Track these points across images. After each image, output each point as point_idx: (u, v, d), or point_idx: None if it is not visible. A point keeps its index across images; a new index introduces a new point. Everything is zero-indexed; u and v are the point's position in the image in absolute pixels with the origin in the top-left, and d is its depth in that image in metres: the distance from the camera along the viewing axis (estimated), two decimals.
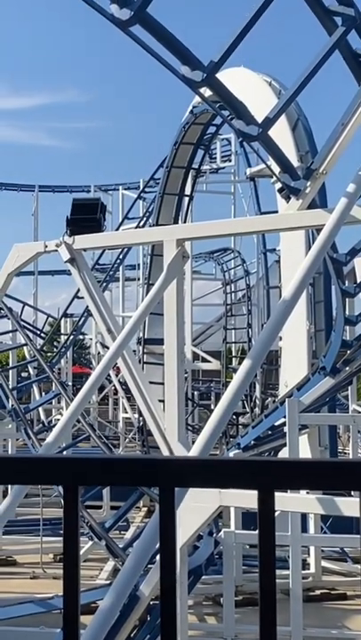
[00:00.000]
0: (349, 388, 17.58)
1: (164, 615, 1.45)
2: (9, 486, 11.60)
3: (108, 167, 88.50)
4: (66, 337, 25.65)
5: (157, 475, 1.46)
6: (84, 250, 10.80)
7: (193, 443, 9.88)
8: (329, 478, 1.45)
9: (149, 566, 6.83)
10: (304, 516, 10.75)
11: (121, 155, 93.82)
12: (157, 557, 6.88)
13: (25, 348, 19.93)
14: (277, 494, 1.42)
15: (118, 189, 34.49)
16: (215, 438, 6.89)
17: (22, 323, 20.43)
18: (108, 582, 9.94)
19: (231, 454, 13.72)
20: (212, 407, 25.70)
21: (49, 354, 25.71)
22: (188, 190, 23.16)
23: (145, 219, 27.21)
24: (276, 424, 13.49)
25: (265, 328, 9.02)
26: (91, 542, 11.24)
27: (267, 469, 1.45)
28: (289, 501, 7.38)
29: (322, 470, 1.44)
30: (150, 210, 26.01)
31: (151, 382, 12.24)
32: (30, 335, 20.94)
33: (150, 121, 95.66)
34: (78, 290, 22.11)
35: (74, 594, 1.44)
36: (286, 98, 8.63)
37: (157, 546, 6.51)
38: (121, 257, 29.01)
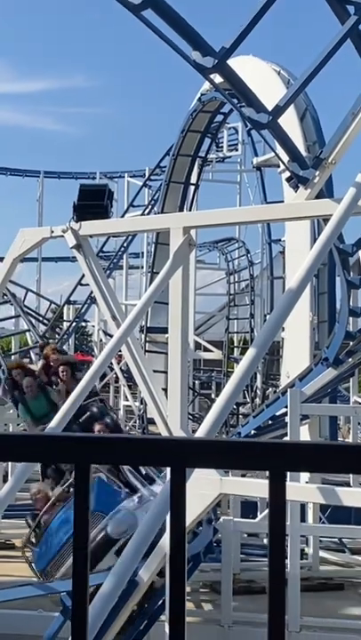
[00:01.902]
0: (351, 379, 17.60)
1: (172, 594, 1.44)
2: (9, 471, 11.63)
3: (113, 154, 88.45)
4: (68, 324, 25.66)
5: (169, 455, 1.45)
6: (91, 236, 10.78)
7: (194, 432, 9.90)
8: (339, 462, 1.44)
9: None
10: (303, 506, 10.76)
11: (127, 142, 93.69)
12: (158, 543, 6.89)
13: (27, 333, 19.91)
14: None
15: (124, 177, 34.42)
16: (218, 426, 6.88)
17: (25, 309, 20.43)
18: (106, 567, 9.95)
19: None
20: (213, 396, 25.74)
21: (51, 340, 25.70)
22: (194, 179, 23.11)
23: (150, 207, 27.16)
24: (278, 414, 13.51)
25: (269, 318, 9.01)
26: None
27: (278, 451, 1.44)
28: (288, 490, 7.37)
29: (333, 453, 1.43)
30: (156, 198, 25.98)
31: (153, 371, 12.23)
32: (33, 321, 20.92)
33: (157, 108, 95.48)
34: (82, 277, 22.13)
35: (83, 573, 1.44)
36: (297, 86, 8.59)
37: (157, 531, 6.53)
38: (125, 245, 28.97)
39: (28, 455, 1.69)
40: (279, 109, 8.19)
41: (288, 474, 1.45)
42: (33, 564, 9.31)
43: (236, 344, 31.28)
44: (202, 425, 6.94)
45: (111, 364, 22.49)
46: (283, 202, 15.00)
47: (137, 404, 23.19)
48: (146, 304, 9.73)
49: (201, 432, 6.79)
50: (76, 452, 1.46)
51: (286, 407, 10.47)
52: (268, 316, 20.02)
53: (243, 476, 8.03)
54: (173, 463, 1.43)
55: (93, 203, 14.74)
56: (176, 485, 1.44)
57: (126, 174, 34.30)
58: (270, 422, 14.16)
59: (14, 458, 1.67)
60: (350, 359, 13.18)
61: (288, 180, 8.68)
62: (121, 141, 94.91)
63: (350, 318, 13.32)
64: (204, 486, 6.58)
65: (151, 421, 15.09)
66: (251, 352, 7.34)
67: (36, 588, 8.89)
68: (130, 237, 27.55)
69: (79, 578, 1.45)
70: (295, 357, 15.73)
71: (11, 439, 1.57)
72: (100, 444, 1.48)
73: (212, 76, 8.51)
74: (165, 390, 10.26)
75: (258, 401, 23.19)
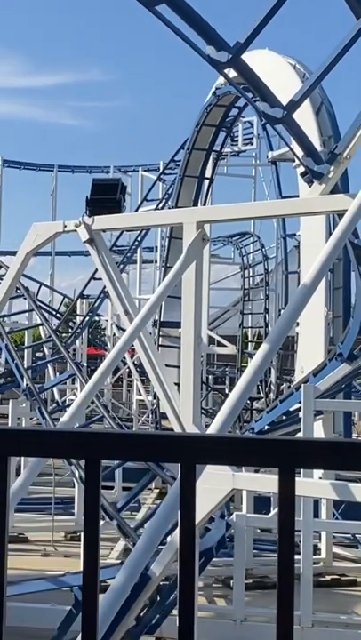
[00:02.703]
0: None
1: (182, 591, 1.44)
2: (22, 465, 11.67)
3: (128, 148, 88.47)
4: (81, 318, 25.68)
5: (179, 451, 1.44)
6: (104, 231, 10.77)
7: (207, 426, 9.89)
8: (352, 459, 1.43)
9: (160, 547, 6.85)
10: (316, 502, 10.74)
11: (141, 136, 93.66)
12: (168, 538, 6.90)
13: (40, 328, 19.98)
14: None
15: (138, 171, 34.39)
16: (231, 421, 6.87)
17: (38, 303, 20.46)
18: (118, 562, 9.98)
19: None
20: (227, 391, 25.72)
21: (64, 334, 25.74)
22: (208, 173, 23.06)
23: (164, 201, 27.12)
24: (291, 409, 13.48)
25: (283, 313, 8.99)
26: (102, 522, 11.28)
27: (289, 448, 1.43)
28: (302, 486, 7.36)
29: (344, 451, 1.42)
30: (170, 192, 25.93)
31: (166, 365, 12.23)
32: (46, 315, 20.96)
33: (172, 102, 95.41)
34: (95, 271, 22.13)
35: (93, 566, 1.43)
36: (312, 81, 8.55)
37: (170, 526, 6.54)
38: (139, 239, 28.96)
39: (40, 450, 1.70)
40: (294, 104, 8.15)
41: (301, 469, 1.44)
42: None
43: (250, 339, 31.24)
44: (215, 420, 6.93)
45: (124, 358, 22.52)
46: (298, 196, 14.95)
47: (150, 398, 23.21)
48: (159, 299, 9.72)
49: (213, 427, 6.78)
50: (87, 447, 1.46)
51: (300, 402, 10.45)
52: (282, 311, 19.97)
53: (256, 471, 8.01)
54: (183, 459, 1.43)
55: (106, 197, 14.73)
56: (186, 481, 1.43)
57: (140, 168, 34.28)
58: (284, 418, 14.14)
59: (26, 453, 1.67)
60: None
61: (303, 174, 8.64)
62: (136, 135, 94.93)
63: None
64: (216, 481, 6.57)
65: (164, 416, 15.10)
66: (264, 347, 7.32)
67: (48, 582, 8.93)
68: (144, 232, 27.52)
69: (89, 572, 1.44)
70: (310, 352, 15.69)
71: (22, 434, 1.58)
72: (110, 440, 1.48)
73: (226, 71, 8.48)
74: (178, 385, 10.25)
75: (272, 396, 23.16)
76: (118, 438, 1.49)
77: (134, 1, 7.69)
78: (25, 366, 16.14)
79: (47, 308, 26.31)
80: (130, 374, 28.53)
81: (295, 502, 1.41)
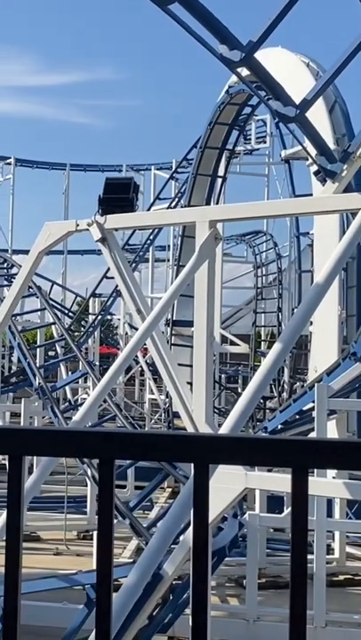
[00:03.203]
0: None
1: (195, 591, 1.43)
2: (34, 463, 11.69)
3: (140, 146, 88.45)
4: (94, 317, 25.72)
5: (192, 451, 1.44)
6: (116, 229, 10.77)
7: (219, 426, 9.88)
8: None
9: (173, 546, 6.84)
10: (330, 501, 10.71)
11: (154, 134, 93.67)
12: (181, 537, 6.90)
13: (53, 326, 20.00)
14: None
15: (151, 169, 34.38)
16: (244, 420, 6.86)
17: (51, 301, 20.51)
18: (131, 560, 9.99)
19: None
20: (240, 390, 25.69)
21: (76, 333, 25.79)
22: (221, 171, 23.02)
23: (177, 199, 27.10)
24: (305, 408, 13.44)
25: (296, 312, 8.96)
26: (115, 521, 11.29)
27: (302, 448, 1.42)
28: (315, 485, 7.34)
29: (357, 450, 1.41)
30: (183, 191, 25.91)
31: (179, 364, 12.23)
32: (58, 314, 21.01)
33: (185, 100, 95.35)
34: (107, 270, 22.16)
35: (107, 566, 1.43)
36: (325, 79, 8.52)
37: (182, 525, 6.54)
38: (151, 238, 28.96)
39: (53, 450, 1.70)
40: (307, 103, 8.13)
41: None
42: None
43: (263, 338, 31.19)
44: (227, 419, 6.92)
45: (137, 357, 22.54)
46: (311, 195, 14.91)
47: (162, 397, 23.21)
48: (171, 298, 9.71)
49: (226, 426, 6.77)
50: (100, 447, 1.46)
51: (314, 402, 10.42)
52: (295, 310, 19.94)
53: (269, 470, 8.00)
54: (197, 459, 1.43)
55: (119, 196, 14.72)
56: (199, 481, 1.43)
57: (153, 167, 34.26)
58: (297, 417, 14.10)
59: (39, 452, 1.67)
60: None
61: (316, 173, 8.62)
62: (148, 134, 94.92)
63: None
64: (229, 480, 6.56)
65: (177, 415, 15.09)
66: (277, 346, 7.30)
67: (60, 580, 8.94)
68: (156, 230, 27.53)
69: (103, 571, 1.44)
70: (323, 351, 15.65)
71: (35, 434, 1.58)
72: (124, 440, 1.47)
73: (238, 70, 8.46)
74: (191, 384, 10.24)
75: (285, 395, 23.12)
76: (131, 438, 1.49)
77: (147, 0, 7.68)
78: (37, 365, 16.17)
79: (59, 307, 26.39)
80: (142, 373, 28.54)
81: (308, 502, 1.40)
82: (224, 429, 6.86)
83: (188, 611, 7.34)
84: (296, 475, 1.39)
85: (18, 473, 1.45)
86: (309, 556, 8.92)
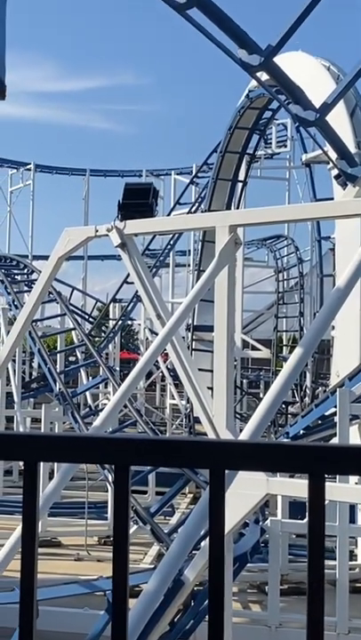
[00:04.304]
0: None
1: (212, 600, 1.42)
2: (55, 469, 11.71)
3: (160, 151, 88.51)
4: (114, 322, 25.75)
5: (208, 457, 1.43)
6: (136, 235, 10.77)
7: (241, 431, 9.84)
8: None
9: (194, 552, 6.82)
10: (352, 507, 10.64)
11: (174, 139, 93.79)
12: (203, 543, 6.87)
13: (73, 332, 20.06)
14: (326, 484, 1.38)
15: (171, 174, 34.41)
16: (264, 425, 6.83)
17: (71, 307, 20.57)
18: (152, 566, 9.97)
19: None
20: (261, 395, 25.61)
21: (97, 339, 25.83)
22: (241, 176, 22.97)
23: (197, 204, 27.11)
24: (327, 414, 13.37)
25: (318, 316, 8.92)
26: (136, 526, 11.30)
27: (319, 454, 1.40)
28: (337, 491, 7.29)
29: None
30: (203, 195, 25.90)
31: (200, 369, 12.21)
32: (79, 319, 21.05)
33: (205, 105, 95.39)
34: (128, 275, 22.19)
35: (123, 572, 1.42)
36: (345, 82, 8.49)
37: (203, 532, 6.51)
38: (171, 243, 28.98)
39: (71, 456, 1.69)
40: (327, 107, 8.10)
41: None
42: None
43: (285, 342, 31.08)
44: (248, 424, 6.89)
45: (157, 362, 22.54)
46: (333, 199, 14.84)
47: (183, 402, 23.19)
48: (191, 303, 9.69)
49: (246, 432, 6.74)
50: (116, 453, 1.45)
51: (336, 407, 10.36)
52: (317, 314, 19.86)
53: (291, 476, 7.95)
54: (213, 465, 1.41)
55: (139, 201, 14.76)
56: (215, 488, 1.42)
57: (173, 172, 34.29)
58: (319, 422, 14.02)
59: (57, 458, 1.67)
60: None
61: (336, 177, 8.59)
62: (168, 139, 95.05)
63: None
64: (250, 486, 6.53)
65: (198, 420, 15.06)
66: (298, 351, 7.27)
67: (81, 586, 8.94)
68: (176, 235, 27.53)
69: (119, 579, 1.43)
70: (345, 356, 15.56)
71: (50, 440, 1.57)
72: (140, 446, 1.46)
73: (258, 74, 8.45)
74: (212, 389, 10.21)
75: (307, 400, 23.03)
76: (147, 444, 1.48)
77: (166, 6, 7.70)
78: (58, 370, 16.21)
79: (80, 313, 26.44)
80: (163, 378, 28.54)
81: (325, 508, 1.39)
82: (244, 435, 6.83)
83: None
84: (312, 481, 1.37)
85: (33, 479, 1.45)
86: (332, 563, 8.85)
